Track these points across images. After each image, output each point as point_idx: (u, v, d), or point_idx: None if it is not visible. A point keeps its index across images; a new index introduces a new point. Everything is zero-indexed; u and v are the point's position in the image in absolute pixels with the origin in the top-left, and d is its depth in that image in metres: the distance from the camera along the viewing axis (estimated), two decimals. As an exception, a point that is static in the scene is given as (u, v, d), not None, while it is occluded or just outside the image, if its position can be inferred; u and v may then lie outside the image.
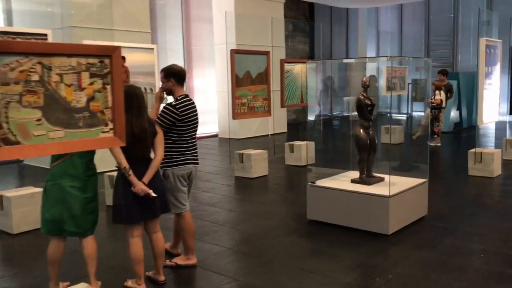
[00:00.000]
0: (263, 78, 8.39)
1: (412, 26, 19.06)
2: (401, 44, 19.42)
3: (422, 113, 16.01)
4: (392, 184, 5.08)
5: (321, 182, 5.55)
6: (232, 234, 5.28)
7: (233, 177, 8.09)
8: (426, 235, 5.02)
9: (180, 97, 4.20)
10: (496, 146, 10.14)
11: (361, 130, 5.35)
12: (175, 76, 4.22)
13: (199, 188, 7.36)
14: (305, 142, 8.97)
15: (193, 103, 4.28)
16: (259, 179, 7.89)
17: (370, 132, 5.39)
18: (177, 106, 4.11)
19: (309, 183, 5.51)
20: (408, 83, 14.80)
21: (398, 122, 14.90)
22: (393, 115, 16.56)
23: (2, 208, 5.29)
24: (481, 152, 7.68)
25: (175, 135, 4.17)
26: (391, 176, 5.20)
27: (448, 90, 11.51)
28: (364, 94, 5.32)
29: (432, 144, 11.14)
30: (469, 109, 15.09)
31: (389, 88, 12.01)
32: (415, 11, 18.82)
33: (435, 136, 11.16)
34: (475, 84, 15.94)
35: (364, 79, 5.34)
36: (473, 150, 7.83)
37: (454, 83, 13.89)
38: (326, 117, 17.14)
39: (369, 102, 5.31)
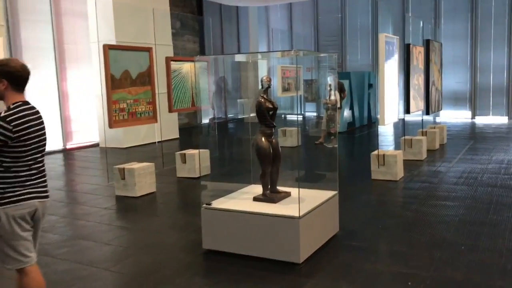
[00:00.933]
0: (146, 78, 7.20)
1: (302, 25, 18.96)
2: (292, 43, 19.24)
3: (315, 114, 15.91)
4: (301, 201, 4.28)
5: (218, 203, 4.58)
6: (107, 280, 4.08)
7: (113, 197, 6.80)
8: (343, 259, 4.29)
9: (15, 105, 2.96)
10: (395, 147, 10.07)
11: (263, 139, 4.48)
12: (8, 76, 2.97)
13: (66, 216, 6.00)
14: (198, 150, 7.96)
15: (36, 113, 3.05)
16: (145, 198, 6.70)
17: (273, 140, 4.55)
18: (8, 119, 2.86)
19: (204, 205, 4.51)
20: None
21: (293, 123, 14.52)
22: (288, 116, 16.24)
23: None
24: (383, 155, 7.30)
25: (8, 160, 2.91)
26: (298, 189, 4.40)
27: (341, 90, 11.26)
28: (265, 96, 4.46)
29: (330, 145, 10.78)
30: (361, 108, 15.20)
31: (285, 88, 11.46)
32: (304, 10, 18.74)
33: (332, 137, 10.82)
34: (365, 83, 16.21)
35: (265, 78, 4.48)
36: (375, 152, 7.43)
37: (345, 82, 13.83)
38: (221, 120, 16.32)
39: (270, 106, 4.46)
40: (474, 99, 16.30)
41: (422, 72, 9.38)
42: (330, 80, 10.78)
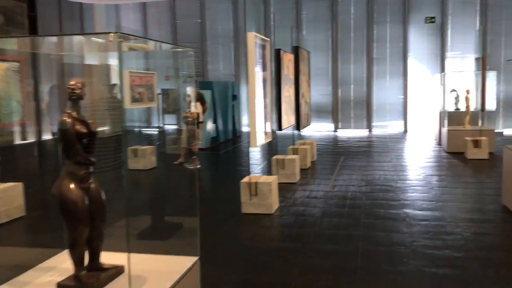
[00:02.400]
0: None
1: (158, 29, 17.15)
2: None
3: (175, 126, 14.19)
4: (138, 279, 2.56)
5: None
6: None
7: None
8: None
9: None
10: (266, 167, 8.81)
11: (72, 186, 2.65)
12: None
13: None
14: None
15: None
16: None
17: (91, 186, 2.75)
18: None
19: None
20: (158, 93, 12.74)
21: (149, 141, 12.64)
22: (143, 130, 14.26)
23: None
24: (256, 183, 5.90)
25: None
26: (141, 256, 2.68)
27: (201, 101, 9.77)
28: (74, 114, 2.64)
29: (191, 166, 9.18)
30: (225, 121, 13.91)
31: (135, 99, 9.56)
32: (160, 13, 16.98)
33: (194, 156, 9.23)
34: (229, 94, 14.99)
35: (73, 83, 2.67)
36: (246, 179, 6.00)
37: (207, 93, 12.39)
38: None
39: (84, 130, 2.66)
40: (336, 112, 16.13)
41: (293, 83, 8.30)
42: (189, 90, 9.23)
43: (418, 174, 8.30)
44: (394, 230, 5.18)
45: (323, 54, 15.91)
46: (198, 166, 9.31)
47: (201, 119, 9.36)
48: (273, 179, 6.13)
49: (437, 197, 6.63)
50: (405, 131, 15.55)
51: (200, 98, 9.54)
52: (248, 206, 5.90)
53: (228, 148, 12.59)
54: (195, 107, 9.09)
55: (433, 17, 15.20)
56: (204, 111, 9.77)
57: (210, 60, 17.01)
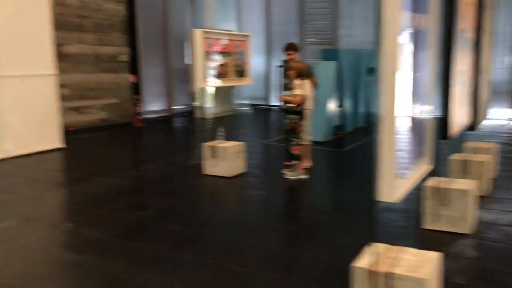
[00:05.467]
0: None
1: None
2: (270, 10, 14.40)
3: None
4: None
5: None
6: None
7: None
8: None
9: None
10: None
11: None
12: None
13: None
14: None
15: None
16: None
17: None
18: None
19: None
20: (278, 66, 9.62)
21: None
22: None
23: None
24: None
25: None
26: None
27: (307, 76, 6.46)
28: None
29: (293, 177, 6.07)
30: (355, 104, 10.39)
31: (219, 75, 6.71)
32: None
33: (295, 161, 6.08)
34: (363, 67, 11.37)
35: None
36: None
37: (330, 66, 9.01)
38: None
39: None
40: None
41: (472, 47, 4.53)
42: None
43: None
44: None
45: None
46: (304, 177, 6.13)
47: (308, 105, 6.07)
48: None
49: None
50: None
51: (306, 73, 6.26)
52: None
53: (357, 142, 9.12)
54: (299, 87, 5.85)
55: None
56: (314, 87, 6.48)
57: (343, 24, 13.41)
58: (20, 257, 3.71)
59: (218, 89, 9.27)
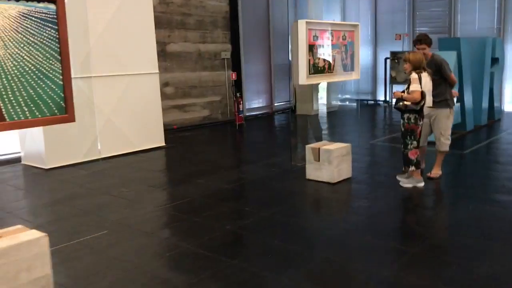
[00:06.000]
0: None
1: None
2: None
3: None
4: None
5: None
6: None
7: None
8: None
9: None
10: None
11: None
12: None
13: None
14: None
15: None
16: None
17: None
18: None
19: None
20: (392, 58, 8.79)
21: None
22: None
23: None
24: None
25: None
26: None
27: (439, 70, 5.62)
28: None
29: (409, 185, 5.36)
30: (478, 99, 9.20)
31: (318, 69, 6.12)
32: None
33: (411, 167, 5.34)
34: (487, 57, 9.97)
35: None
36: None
37: (451, 55, 7.97)
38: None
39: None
40: None
41: None
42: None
43: None
44: None
45: None
46: (420, 185, 5.37)
47: (428, 103, 5.24)
48: None
49: None
50: None
51: (437, 68, 5.44)
52: None
53: (481, 143, 8.02)
54: (415, 82, 5.07)
55: None
56: (450, 85, 5.61)
57: (462, 9, 12.05)
58: (109, 272, 3.50)
59: (322, 84, 8.69)
